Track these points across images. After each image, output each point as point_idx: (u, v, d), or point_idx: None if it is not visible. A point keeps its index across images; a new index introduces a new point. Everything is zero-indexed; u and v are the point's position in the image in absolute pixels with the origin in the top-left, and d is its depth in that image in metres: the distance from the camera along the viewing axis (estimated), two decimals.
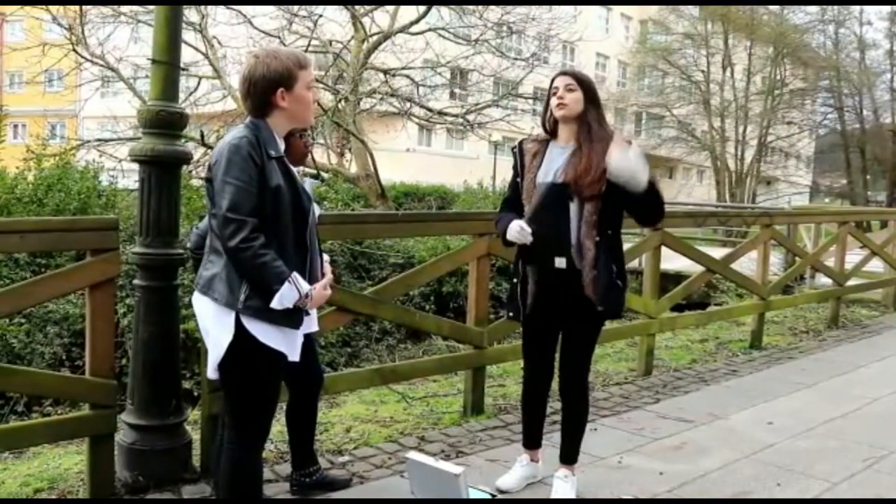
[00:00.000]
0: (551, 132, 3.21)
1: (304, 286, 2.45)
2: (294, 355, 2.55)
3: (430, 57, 14.73)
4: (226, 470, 2.60)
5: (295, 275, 2.42)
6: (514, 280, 3.29)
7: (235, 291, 2.41)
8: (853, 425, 4.47)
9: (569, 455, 3.34)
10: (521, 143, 3.30)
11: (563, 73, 3.15)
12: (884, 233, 10.16)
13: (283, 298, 2.40)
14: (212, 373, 2.53)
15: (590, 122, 3.09)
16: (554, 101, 3.11)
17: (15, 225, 3.41)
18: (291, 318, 2.49)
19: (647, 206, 3.07)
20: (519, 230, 3.07)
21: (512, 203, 3.26)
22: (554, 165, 3.13)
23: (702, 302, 10.28)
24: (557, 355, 3.35)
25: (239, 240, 2.33)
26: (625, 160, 2.90)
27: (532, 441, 3.47)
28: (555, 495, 3.29)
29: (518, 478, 3.42)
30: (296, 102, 2.51)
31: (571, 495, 3.29)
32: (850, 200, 33.41)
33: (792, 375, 5.62)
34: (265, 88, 2.46)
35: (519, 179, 3.23)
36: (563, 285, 3.11)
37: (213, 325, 2.46)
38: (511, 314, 3.33)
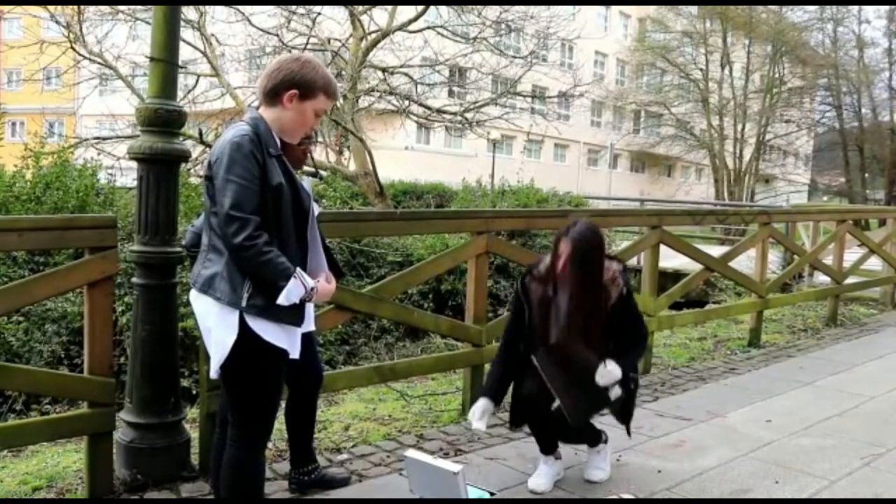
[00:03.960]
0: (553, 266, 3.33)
1: (310, 281, 2.47)
2: (295, 353, 2.56)
3: (429, 55, 14.70)
4: (227, 468, 2.59)
5: (299, 270, 2.43)
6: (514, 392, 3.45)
7: (238, 290, 2.40)
8: (851, 423, 4.48)
9: (592, 443, 3.53)
10: (523, 281, 3.41)
11: (568, 240, 3.23)
12: (882, 231, 10.16)
13: (290, 294, 2.40)
14: (214, 373, 2.53)
15: (586, 278, 3.23)
16: (558, 267, 3.24)
17: (13, 223, 3.41)
18: (295, 314, 2.49)
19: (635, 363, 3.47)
20: (477, 424, 3.30)
21: (510, 350, 3.44)
22: (562, 318, 3.27)
23: (700, 300, 10.29)
24: None
25: (243, 238, 2.33)
26: (605, 378, 3.17)
27: (549, 448, 3.49)
28: (589, 467, 3.50)
29: (549, 477, 3.45)
30: (296, 112, 2.54)
31: (606, 466, 3.50)
32: (849, 199, 33.42)
33: (790, 373, 5.63)
34: (284, 81, 2.50)
35: (527, 322, 3.35)
36: None
37: (217, 324, 2.45)
38: (512, 426, 3.56)
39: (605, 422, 4.28)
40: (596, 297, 3.25)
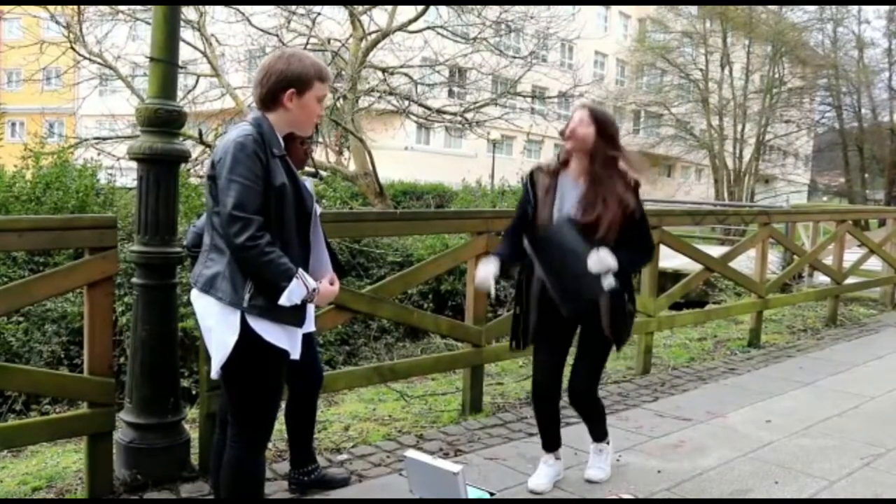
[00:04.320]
0: (564, 162, 3.25)
1: (311, 282, 2.46)
2: (296, 353, 2.55)
3: (429, 55, 14.70)
4: (228, 468, 2.59)
5: (301, 271, 2.43)
6: (517, 310, 3.35)
7: (240, 290, 2.40)
8: (851, 423, 4.48)
9: (597, 436, 3.51)
10: (531, 173, 3.34)
11: (582, 107, 3.19)
12: (882, 231, 10.17)
13: (292, 295, 2.40)
14: (215, 373, 2.52)
15: (600, 162, 3.14)
16: (572, 127, 3.16)
17: (13, 223, 3.41)
18: (296, 315, 2.49)
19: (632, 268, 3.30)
20: (483, 278, 3.16)
21: (515, 231, 3.34)
22: (567, 205, 3.19)
23: (700, 300, 10.28)
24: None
25: (245, 238, 2.32)
26: (598, 264, 3.04)
27: (552, 444, 3.48)
28: (590, 467, 3.49)
29: (548, 477, 3.44)
30: (301, 108, 2.51)
31: (606, 466, 3.49)
32: (849, 199, 33.41)
33: (790, 374, 5.63)
34: (278, 84, 2.48)
35: (531, 211, 3.26)
36: (578, 316, 3.25)
37: (218, 324, 2.45)
38: (514, 344, 3.41)
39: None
40: (608, 177, 3.12)
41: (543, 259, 3.19)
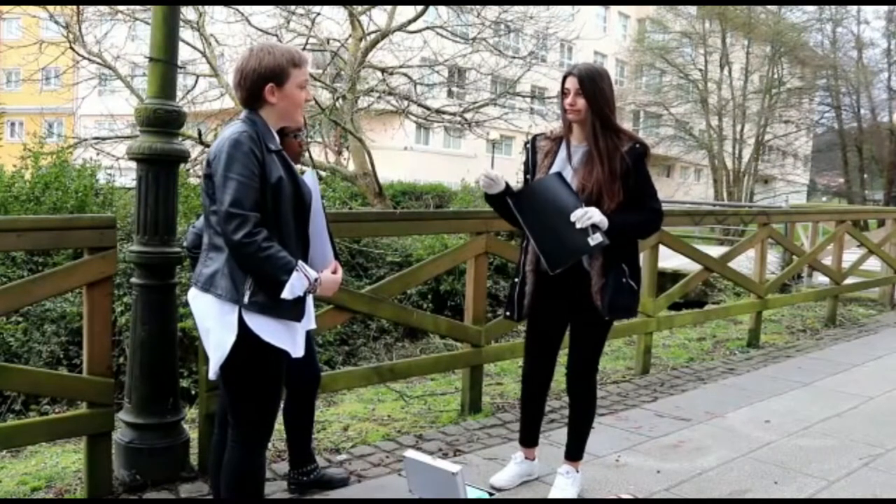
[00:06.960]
0: (569, 127, 3.19)
1: (312, 273, 2.46)
2: (296, 352, 2.54)
3: (428, 55, 14.69)
4: (228, 469, 2.58)
5: (301, 263, 2.43)
6: (514, 279, 3.30)
7: (240, 287, 2.40)
8: (850, 423, 4.48)
9: (573, 451, 3.35)
10: (534, 138, 3.30)
11: (572, 75, 3.10)
12: (881, 231, 10.18)
13: (294, 288, 2.39)
14: (213, 374, 2.52)
15: (596, 128, 3.07)
16: (566, 104, 3.11)
17: (12, 223, 3.40)
18: (296, 310, 2.48)
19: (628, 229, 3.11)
20: (483, 177, 3.10)
21: None
22: (566, 166, 3.14)
23: (699, 301, 10.29)
24: (563, 351, 3.37)
25: (243, 234, 2.32)
26: (581, 220, 2.96)
27: (529, 438, 3.47)
28: (555, 491, 3.29)
29: (512, 475, 3.42)
30: (285, 100, 2.51)
31: (573, 492, 3.28)
32: (848, 199, 33.43)
33: (789, 374, 5.63)
34: (255, 82, 2.47)
35: (528, 177, 3.23)
36: (569, 286, 3.13)
37: (216, 324, 2.44)
38: (508, 314, 3.36)
39: (603, 422, 4.29)
40: (607, 143, 3.05)
41: (527, 222, 3.09)
